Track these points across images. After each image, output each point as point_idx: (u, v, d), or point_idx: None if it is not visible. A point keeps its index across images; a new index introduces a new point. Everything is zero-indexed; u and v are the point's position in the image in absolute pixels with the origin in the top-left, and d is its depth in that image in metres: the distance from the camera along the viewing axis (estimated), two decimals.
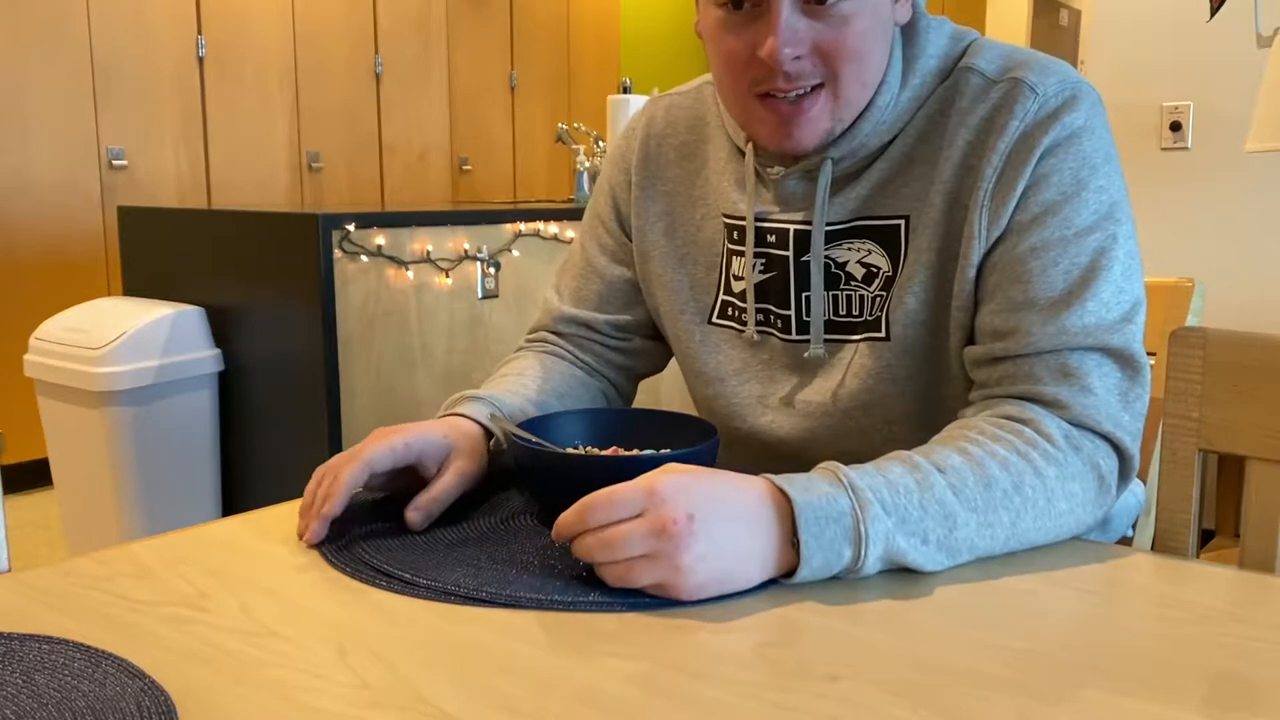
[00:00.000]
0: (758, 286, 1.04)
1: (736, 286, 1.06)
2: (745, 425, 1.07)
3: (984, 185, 0.92)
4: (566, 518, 0.76)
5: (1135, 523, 1.19)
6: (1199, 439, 0.97)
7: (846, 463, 0.82)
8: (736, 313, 1.07)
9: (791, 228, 1.01)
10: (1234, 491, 2.71)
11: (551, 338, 1.17)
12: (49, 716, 0.58)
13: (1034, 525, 0.83)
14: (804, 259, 1.01)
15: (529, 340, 1.19)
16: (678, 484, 0.74)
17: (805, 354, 1.02)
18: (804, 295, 1.01)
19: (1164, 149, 2.94)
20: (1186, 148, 2.91)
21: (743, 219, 1.04)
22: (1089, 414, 0.87)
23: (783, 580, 0.77)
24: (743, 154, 1.05)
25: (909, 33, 0.98)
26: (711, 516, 0.74)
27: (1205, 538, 2.81)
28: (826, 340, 1.01)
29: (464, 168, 5.36)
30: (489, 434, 0.98)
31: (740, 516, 0.75)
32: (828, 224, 0.99)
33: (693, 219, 1.10)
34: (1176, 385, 0.97)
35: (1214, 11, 2.63)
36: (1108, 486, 0.88)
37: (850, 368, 0.99)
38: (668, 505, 0.72)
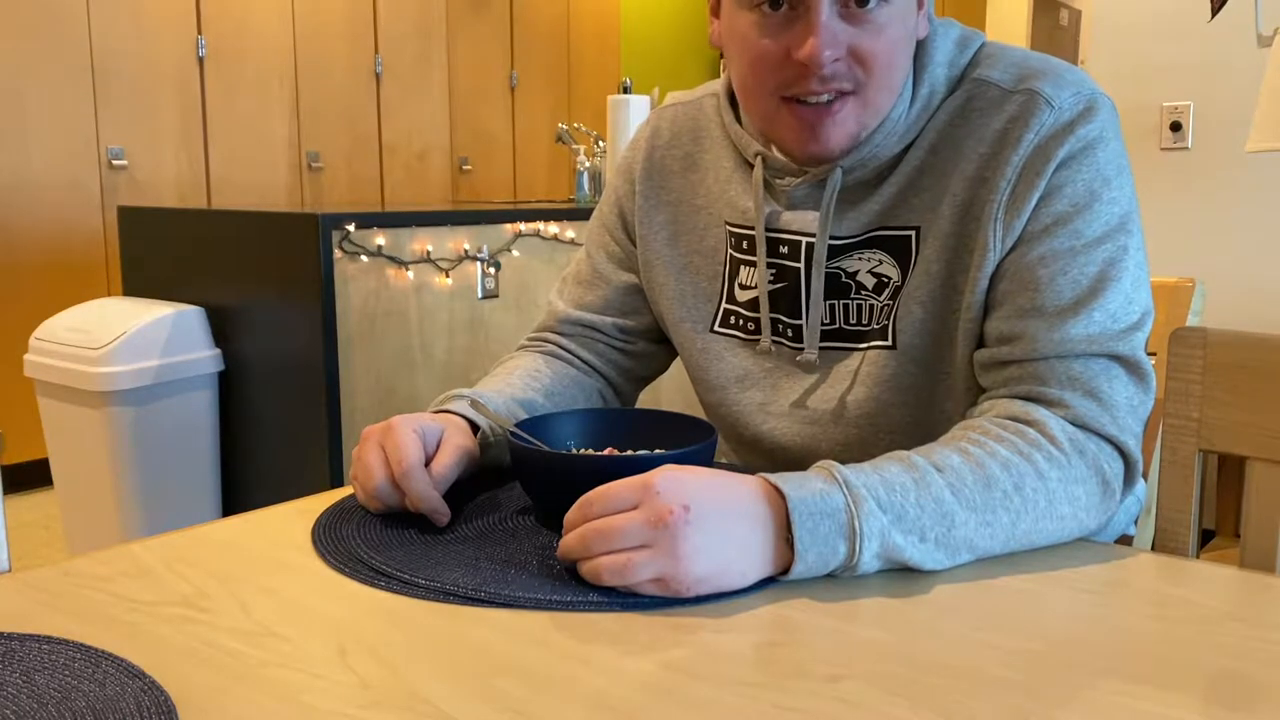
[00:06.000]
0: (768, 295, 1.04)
1: (741, 295, 1.06)
2: (749, 431, 1.07)
3: (997, 198, 0.92)
4: (569, 516, 0.77)
5: (1136, 521, 1.19)
6: (1199, 439, 0.97)
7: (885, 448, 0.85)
8: (740, 321, 1.07)
9: (804, 239, 1.01)
10: (1234, 491, 2.71)
11: (553, 338, 1.17)
12: (49, 716, 0.58)
13: (1035, 527, 0.83)
14: None
15: (530, 340, 1.19)
16: (672, 478, 0.75)
17: (798, 358, 1.02)
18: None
19: (1164, 149, 2.94)
20: (1186, 148, 2.91)
21: (750, 228, 1.05)
22: (1093, 417, 0.87)
23: (780, 578, 0.77)
24: (749, 165, 1.05)
25: (922, 46, 0.98)
26: (707, 509, 0.74)
27: (1205, 538, 2.81)
28: (835, 348, 1.01)
29: (464, 168, 5.36)
30: (477, 428, 0.99)
31: (736, 511, 0.75)
32: (842, 237, 1.00)
33: (695, 228, 1.10)
34: (1176, 385, 0.97)
35: (1215, 12, 2.63)
36: (1112, 491, 0.88)
37: (856, 375, 1.00)
38: (663, 497, 0.73)
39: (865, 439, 1.01)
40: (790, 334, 1.03)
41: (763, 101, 0.96)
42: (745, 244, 1.05)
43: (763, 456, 1.07)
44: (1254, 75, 2.71)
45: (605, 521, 0.74)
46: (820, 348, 1.02)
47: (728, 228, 1.07)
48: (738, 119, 1.07)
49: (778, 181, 1.02)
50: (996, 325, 0.93)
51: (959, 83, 0.98)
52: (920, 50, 0.98)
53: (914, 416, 0.99)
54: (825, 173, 0.99)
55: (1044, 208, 0.91)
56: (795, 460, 1.04)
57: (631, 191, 1.15)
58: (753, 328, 1.06)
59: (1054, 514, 0.84)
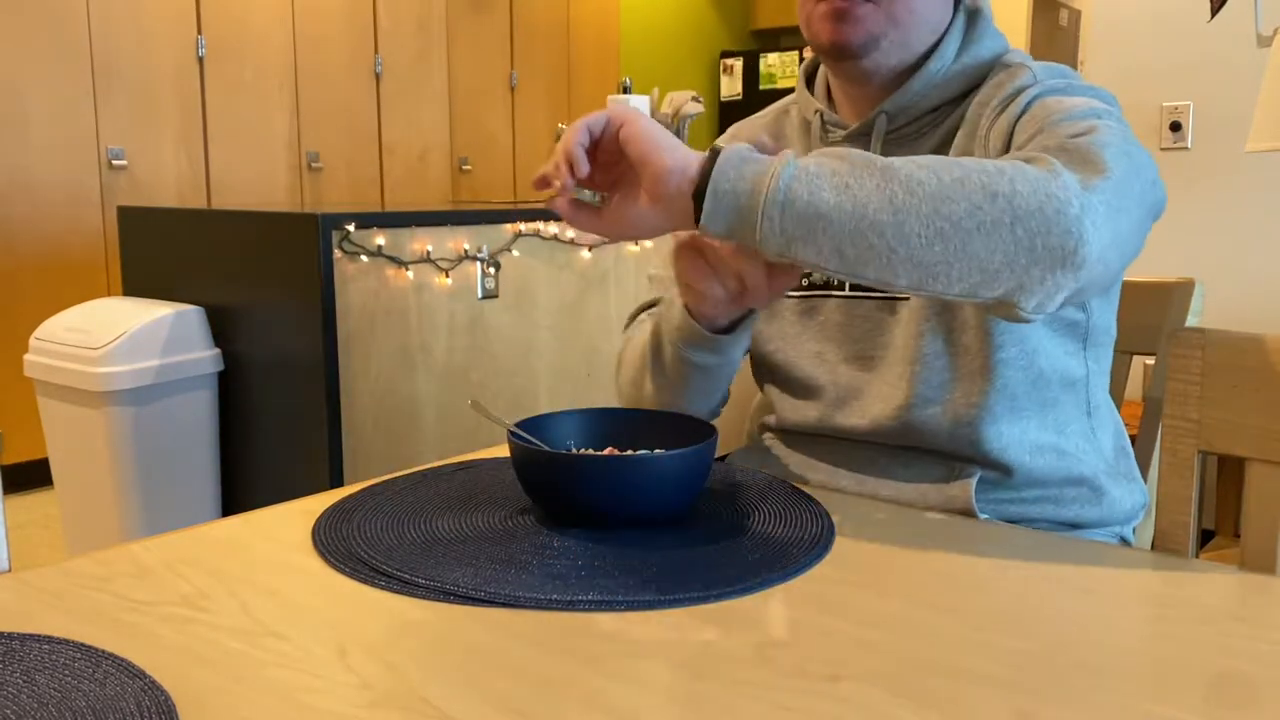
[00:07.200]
0: None
1: None
2: (801, 374, 1.16)
3: (985, 124, 1.04)
4: None
5: (1135, 527, 1.19)
6: (1199, 440, 0.97)
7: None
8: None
9: None
10: (1234, 491, 2.71)
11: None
12: (49, 716, 0.58)
13: (963, 170, 0.82)
14: None
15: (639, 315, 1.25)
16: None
17: (846, 304, 1.12)
18: None
19: (1164, 149, 2.94)
20: (1186, 148, 2.91)
21: None
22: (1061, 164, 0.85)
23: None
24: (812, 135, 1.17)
25: (976, 27, 1.11)
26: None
27: (1205, 538, 2.81)
28: (882, 298, 1.11)
29: (464, 168, 5.36)
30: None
31: None
32: None
33: None
34: (1176, 385, 0.97)
35: (1215, 12, 2.63)
36: (1057, 172, 0.82)
37: (896, 312, 1.09)
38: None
39: (905, 371, 1.08)
40: (838, 281, 1.13)
41: (806, 6, 1.09)
42: None
43: (812, 395, 1.14)
44: (1254, 75, 2.71)
45: None
46: (861, 297, 1.12)
47: None
48: (808, 88, 1.20)
49: (831, 136, 1.15)
50: None
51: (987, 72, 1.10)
52: (973, 28, 1.10)
53: (946, 344, 1.06)
54: (871, 122, 1.10)
55: (1024, 116, 0.99)
56: (842, 397, 1.12)
57: None
58: (805, 283, 1.17)
59: (985, 168, 0.82)
